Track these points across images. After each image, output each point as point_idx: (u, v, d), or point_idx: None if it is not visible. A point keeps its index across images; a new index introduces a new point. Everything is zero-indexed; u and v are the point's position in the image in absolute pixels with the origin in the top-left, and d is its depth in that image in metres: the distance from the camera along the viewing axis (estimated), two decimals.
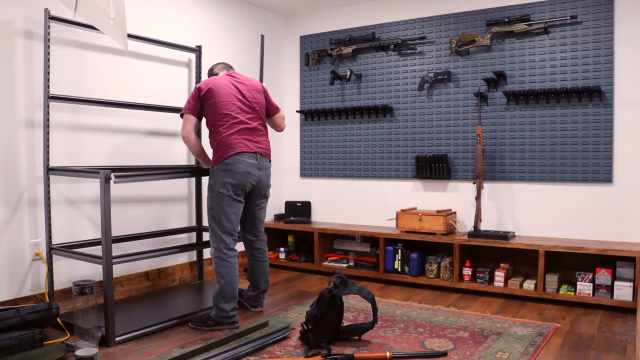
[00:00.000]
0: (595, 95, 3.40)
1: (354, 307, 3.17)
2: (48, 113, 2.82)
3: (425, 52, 4.02)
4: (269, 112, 3.03)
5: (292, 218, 4.47)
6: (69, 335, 2.62)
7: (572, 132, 3.50)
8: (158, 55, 3.59)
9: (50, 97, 2.82)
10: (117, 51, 3.29)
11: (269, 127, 3.08)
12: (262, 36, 3.61)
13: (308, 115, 4.56)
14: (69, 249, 2.82)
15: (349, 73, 4.27)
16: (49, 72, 2.80)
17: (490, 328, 2.77)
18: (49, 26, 2.77)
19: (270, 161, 2.95)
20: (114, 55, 3.29)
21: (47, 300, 2.86)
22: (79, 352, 2.22)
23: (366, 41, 4.24)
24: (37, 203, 2.89)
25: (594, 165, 3.43)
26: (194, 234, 3.80)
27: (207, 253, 3.92)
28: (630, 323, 2.88)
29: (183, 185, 3.78)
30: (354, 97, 4.38)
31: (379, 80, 4.24)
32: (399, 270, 3.81)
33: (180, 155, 3.76)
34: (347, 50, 4.31)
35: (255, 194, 2.91)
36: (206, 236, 3.77)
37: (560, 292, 3.26)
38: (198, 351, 2.38)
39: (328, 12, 4.52)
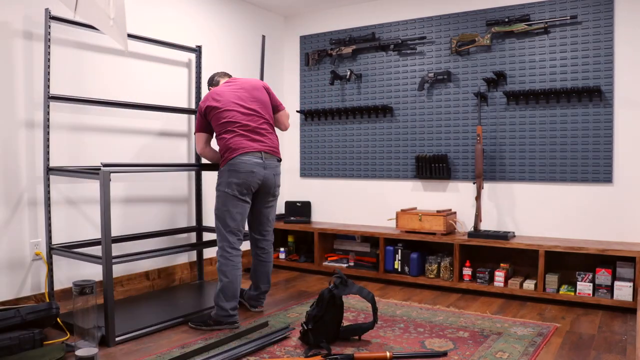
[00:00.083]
0: (595, 95, 3.40)
1: (354, 307, 3.17)
2: (48, 113, 2.82)
3: (425, 52, 4.02)
4: (273, 109, 3.03)
5: (292, 218, 4.47)
6: (69, 335, 2.62)
7: (572, 132, 3.50)
8: (158, 55, 3.59)
9: (50, 97, 2.82)
10: (117, 51, 3.30)
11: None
12: (264, 37, 3.61)
13: (308, 115, 4.56)
14: (69, 249, 2.82)
15: (349, 73, 4.27)
16: (49, 72, 2.80)
17: (490, 328, 2.77)
18: (49, 26, 2.77)
19: (279, 160, 2.95)
20: (114, 55, 3.29)
21: (47, 300, 2.86)
22: (79, 352, 2.22)
23: (366, 41, 4.24)
24: (37, 203, 2.89)
25: (594, 165, 3.43)
26: (194, 234, 3.80)
27: (207, 253, 3.93)
28: (630, 323, 2.88)
29: (183, 185, 3.79)
30: (354, 97, 4.38)
31: (379, 80, 4.24)
32: (399, 270, 3.81)
33: (181, 154, 3.76)
34: (347, 50, 4.31)
35: (262, 193, 2.91)
36: (206, 236, 3.77)
37: (560, 292, 3.26)
38: (198, 351, 2.38)
39: (328, 12, 4.52)
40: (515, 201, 3.70)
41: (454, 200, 3.94)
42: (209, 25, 4.00)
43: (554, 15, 3.51)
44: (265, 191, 2.91)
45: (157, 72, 3.59)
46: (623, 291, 3.08)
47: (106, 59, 3.25)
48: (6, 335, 2.31)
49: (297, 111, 4.60)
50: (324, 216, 4.56)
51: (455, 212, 3.87)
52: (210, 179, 3.94)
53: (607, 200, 3.41)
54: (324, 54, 4.47)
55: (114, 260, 2.58)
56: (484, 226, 3.79)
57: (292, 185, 4.74)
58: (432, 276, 3.72)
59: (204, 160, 3.79)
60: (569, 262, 3.44)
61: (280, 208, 4.65)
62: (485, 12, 3.75)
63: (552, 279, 3.29)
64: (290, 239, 4.46)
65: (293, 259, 4.33)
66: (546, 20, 3.49)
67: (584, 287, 3.20)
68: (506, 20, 3.61)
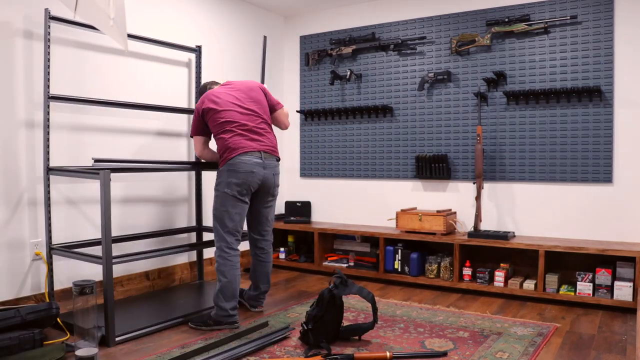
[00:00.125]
0: (595, 95, 3.40)
1: (354, 307, 3.17)
2: (48, 113, 2.82)
3: (425, 52, 4.02)
4: (270, 109, 3.02)
5: (292, 218, 4.47)
6: (69, 335, 2.62)
7: (572, 132, 3.50)
8: (158, 55, 3.59)
9: (50, 97, 2.82)
10: (118, 51, 3.29)
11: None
12: (265, 37, 3.61)
13: (308, 115, 4.56)
14: (69, 249, 2.82)
15: (349, 73, 4.27)
16: (49, 72, 2.80)
17: (490, 328, 2.77)
18: (49, 26, 2.77)
19: (278, 159, 2.95)
20: (114, 55, 3.29)
21: (47, 300, 2.86)
22: (79, 352, 2.22)
23: (366, 41, 4.24)
24: (37, 203, 2.89)
25: (594, 165, 3.43)
26: (194, 234, 3.80)
27: (207, 253, 3.93)
28: (630, 323, 2.88)
29: (183, 186, 3.79)
30: (354, 97, 4.38)
31: (379, 80, 4.24)
32: (399, 270, 3.81)
33: (181, 154, 3.76)
34: (347, 50, 4.31)
35: (261, 192, 2.91)
36: (206, 236, 3.77)
37: (560, 292, 3.26)
38: (198, 351, 2.38)
39: (328, 12, 4.52)
40: (515, 201, 3.70)
41: (454, 200, 3.94)
42: (209, 25, 4.00)
43: (554, 15, 3.51)
44: (264, 191, 2.90)
45: (157, 72, 3.59)
46: (623, 291, 3.08)
47: (106, 58, 3.25)
48: (6, 335, 2.31)
49: (297, 111, 4.60)
50: (324, 216, 4.56)
51: (455, 212, 3.87)
52: (210, 179, 3.94)
53: (607, 200, 3.41)
54: (324, 54, 4.47)
55: (114, 260, 2.58)
56: (484, 226, 3.79)
57: (292, 185, 4.74)
58: (432, 276, 3.72)
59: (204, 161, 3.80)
60: (569, 262, 3.44)
61: (280, 208, 4.64)
62: (485, 12, 3.75)
63: (552, 279, 3.29)
64: (290, 239, 4.46)
65: (293, 259, 4.33)
66: (546, 20, 3.49)
67: (584, 287, 3.20)
68: (506, 20, 3.62)
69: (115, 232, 3.12)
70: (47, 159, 2.83)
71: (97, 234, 3.16)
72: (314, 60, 4.53)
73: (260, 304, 3.11)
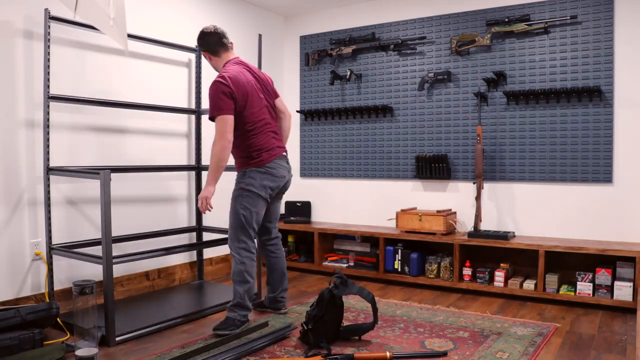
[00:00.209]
0: (595, 95, 3.40)
1: (354, 307, 3.17)
2: (48, 113, 2.82)
3: (425, 52, 4.02)
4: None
5: (292, 218, 4.47)
6: (69, 335, 2.62)
7: (572, 132, 3.50)
8: (158, 55, 3.59)
9: (50, 97, 2.82)
10: (118, 51, 3.29)
11: None
12: (260, 35, 3.61)
13: (308, 115, 4.56)
14: (69, 249, 2.82)
15: (349, 73, 4.27)
16: (49, 72, 2.80)
17: (490, 328, 2.77)
18: (49, 26, 2.77)
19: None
20: (114, 55, 3.29)
21: (47, 300, 2.86)
22: (79, 352, 2.21)
23: (366, 41, 4.24)
24: (37, 203, 2.89)
25: (594, 165, 3.43)
26: (194, 234, 3.80)
27: (207, 253, 3.93)
28: (630, 323, 2.88)
29: (183, 186, 3.78)
30: (354, 97, 4.38)
31: (379, 80, 4.24)
32: (399, 270, 3.81)
33: (181, 154, 3.76)
34: (347, 50, 4.31)
35: (280, 191, 2.94)
36: (206, 236, 3.77)
37: (560, 292, 3.26)
38: (198, 351, 2.38)
39: (328, 12, 4.52)
40: (515, 201, 3.70)
41: (454, 200, 3.94)
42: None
43: (554, 15, 3.51)
44: (282, 190, 2.95)
45: (157, 72, 3.59)
46: (623, 291, 3.08)
47: (106, 58, 3.25)
48: (6, 335, 2.31)
49: (297, 111, 4.60)
50: (324, 216, 4.55)
51: (455, 212, 3.87)
52: None
53: (607, 200, 3.41)
54: (324, 54, 4.47)
55: (114, 260, 2.57)
56: (484, 226, 3.79)
57: (292, 185, 4.72)
58: (432, 276, 3.72)
59: (204, 161, 3.79)
60: (569, 262, 3.44)
61: (280, 208, 4.64)
62: (485, 12, 3.75)
63: (552, 279, 3.29)
64: (290, 239, 4.46)
65: (293, 259, 4.33)
66: (546, 20, 3.49)
67: (584, 287, 3.20)
68: (506, 20, 3.62)
69: (115, 232, 3.12)
70: (47, 159, 2.83)
71: (97, 234, 3.16)
72: (314, 60, 4.53)
73: (284, 305, 3.07)
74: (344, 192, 4.45)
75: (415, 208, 4.03)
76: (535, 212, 3.63)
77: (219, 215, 3.67)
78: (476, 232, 3.56)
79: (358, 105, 4.31)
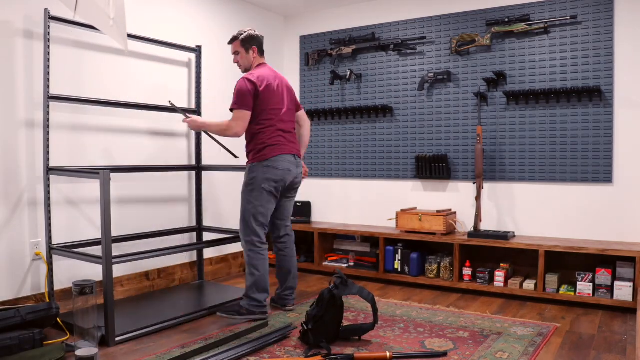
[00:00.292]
0: (595, 95, 3.40)
1: (354, 307, 3.17)
2: (48, 113, 2.82)
3: (425, 52, 4.02)
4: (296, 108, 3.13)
5: (292, 218, 4.46)
6: (69, 335, 2.62)
7: (572, 132, 3.50)
8: (158, 55, 3.59)
9: (50, 97, 2.82)
10: (117, 51, 3.29)
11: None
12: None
13: (308, 115, 4.53)
14: (69, 249, 2.82)
15: (349, 73, 4.27)
16: (49, 72, 2.80)
17: (490, 328, 2.77)
18: (49, 26, 2.77)
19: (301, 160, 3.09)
20: (114, 55, 3.29)
21: (47, 300, 2.86)
22: (79, 352, 2.21)
23: (366, 41, 4.24)
24: (37, 203, 2.89)
25: (594, 165, 3.43)
26: (194, 234, 3.80)
27: (207, 253, 3.93)
28: (630, 323, 2.88)
29: (183, 186, 3.78)
30: (354, 97, 4.38)
31: (379, 80, 4.24)
32: (399, 270, 3.81)
33: (181, 154, 3.76)
34: (347, 50, 4.31)
35: (289, 188, 3.01)
36: (206, 236, 3.77)
37: (560, 292, 3.26)
38: (198, 351, 2.38)
39: (328, 12, 4.52)
40: (515, 201, 3.70)
41: (454, 200, 3.94)
42: (209, 25, 4.00)
43: (554, 15, 3.51)
44: (292, 186, 3.01)
45: (157, 72, 3.59)
46: (623, 291, 3.08)
47: (106, 58, 3.24)
48: (6, 335, 2.31)
49: None
50: (324, 216, 4.56)
51: (455, 212, 3.87)
52: (209, 179, 3.94)
53: (607, 200, 3.41)
54: (324, 54, 4.47)
55: (114, 260, 2.57)
56: (484, 226, 3.79)
57: None
58: (432, 276, 3.72)
59: (204, 161, 3.80)
60: (569, 262, 3.44)
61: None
62: (485, 12, 3.75)
63: (552, 279, 3.29)
64: None
65: None
66: (546, 20, 3.49)
67: (584, 287, 3.20)
68: (506, 20, 3.62)
69: (115, 232, 3.12)
70: (47, 159, 2.83)
71: (97, 234, 3.16)
72: (314, 60, 4.53)
73: (289, 302, 3.14)
74: (344, 192, 4.45)
75: (415, 208, 4.03)
76: (535, 212, 3.63)
77: (219, 216, 3.68)
78: (476, 232, 3.56)
79: (358, 105, 4.31)
